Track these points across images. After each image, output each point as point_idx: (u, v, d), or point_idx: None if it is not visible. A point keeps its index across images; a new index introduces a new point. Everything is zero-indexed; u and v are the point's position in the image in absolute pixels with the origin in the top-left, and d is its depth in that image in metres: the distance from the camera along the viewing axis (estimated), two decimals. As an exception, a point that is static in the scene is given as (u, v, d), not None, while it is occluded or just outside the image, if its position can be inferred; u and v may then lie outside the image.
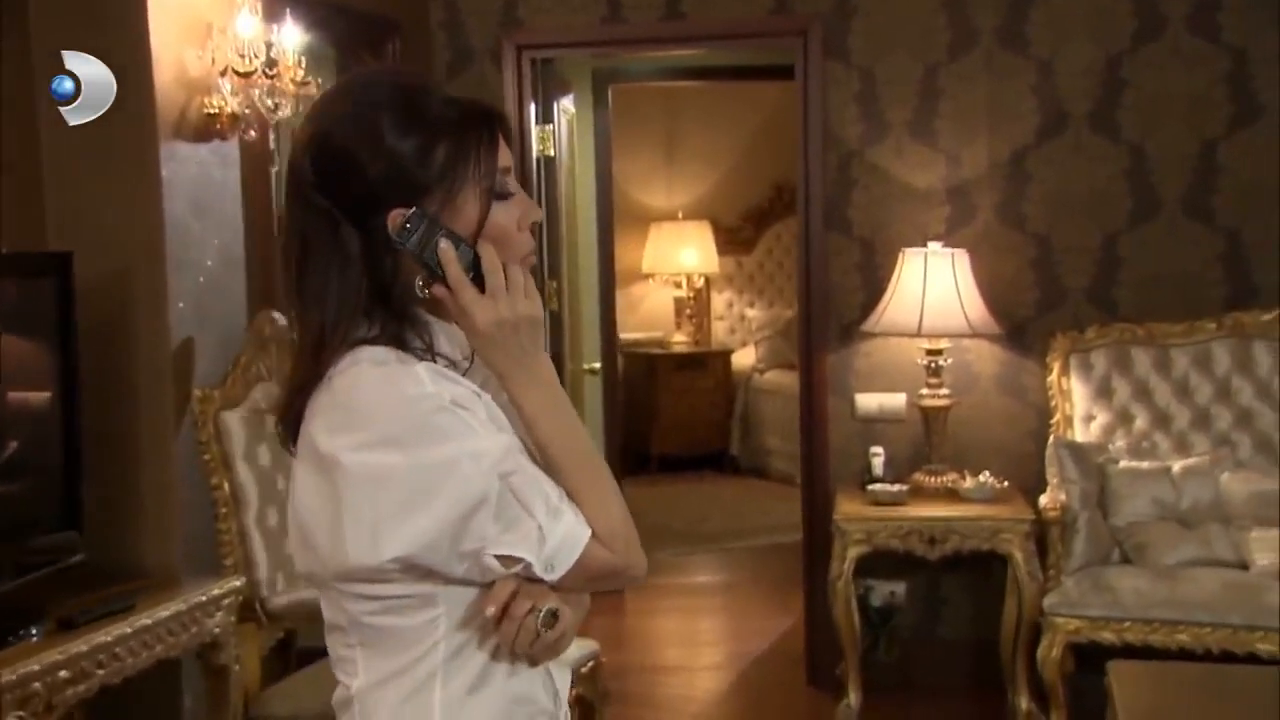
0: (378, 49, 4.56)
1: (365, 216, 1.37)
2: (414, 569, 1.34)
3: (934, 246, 4.50)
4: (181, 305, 3.23)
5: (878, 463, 4.62)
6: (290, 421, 1.42)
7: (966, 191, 4.73)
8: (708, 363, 9.11)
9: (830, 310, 4.82)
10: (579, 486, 1.39)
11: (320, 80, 3.50)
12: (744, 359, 9.17)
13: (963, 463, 4.63)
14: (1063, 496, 4.21)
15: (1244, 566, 4.08)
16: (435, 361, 1.39)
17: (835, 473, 4.83)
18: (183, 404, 3.23)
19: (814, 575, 4.79)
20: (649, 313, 9.42)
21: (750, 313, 9.47)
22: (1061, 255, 4.69)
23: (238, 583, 3.12)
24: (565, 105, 5.61)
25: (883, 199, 4.77)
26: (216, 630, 3.04)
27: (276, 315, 3.53)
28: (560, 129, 5.40)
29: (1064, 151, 4.65)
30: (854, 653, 4.42)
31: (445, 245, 1.36)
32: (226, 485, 3.27)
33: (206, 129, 3.32)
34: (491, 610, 1.36)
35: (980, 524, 4.25)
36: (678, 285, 9.28)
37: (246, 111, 3.33)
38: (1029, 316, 4.71)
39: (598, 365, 6.02)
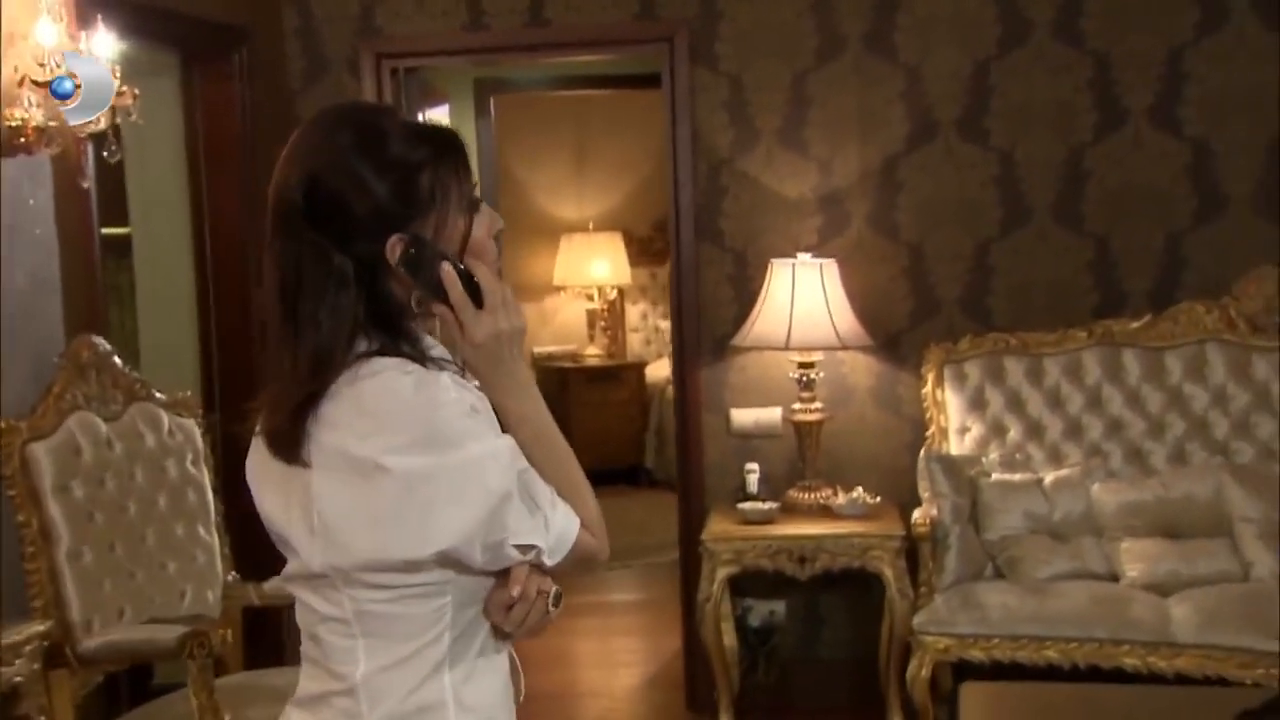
0: (224, 57, 4.38)
1: (358, 245, 1.48)
2: (450, 560, 1.47)
3: (803, 257, 4.40)
4: (-17, 331, 3.03)
5: (753, 479, 4.50)
6: (293, 438, 1.49)
7: (839, 200, 4.64)
8: (622, 375, 8.99)
9: (703, 323, 4.70)
10: (562, 481, 1.53)
11: (136, 90, 3.31)
12: (659, 371, 9.04)
13: (838, 478, 4.53)
14: (934, 511, 4.12)
15: (1115, 578, 4.02)
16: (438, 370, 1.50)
17: (711, 490, 4.72)
18: (-15, 435, 3.03)
19: (691, 596, 4.66)
20: (562, 325, 9.30)
21: (664, 324, 9.34)
22: (934, 264, 4.61)
23: (40, 627, 2.92)
24: (435, 116, 5.45)
25: (754, 208, 4.67)
26: (18, 679, 2.83)
27: (97, 340, 3.34)
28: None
29: (935, 159, 4.58)
30: (725, 676, 4.30)
31: (448, 268, 1.48)
32: (35, 522, 3.07)
33: (11, 142, 3.12)
34: (517, 591, 1.50)
35: (850, 541, 4.15)
36: (590, 297, 9.13)
37: (52, 124, 3.13)
38: (903, 327, 4.63)
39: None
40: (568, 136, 9.12)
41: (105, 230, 4.73)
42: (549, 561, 1.51)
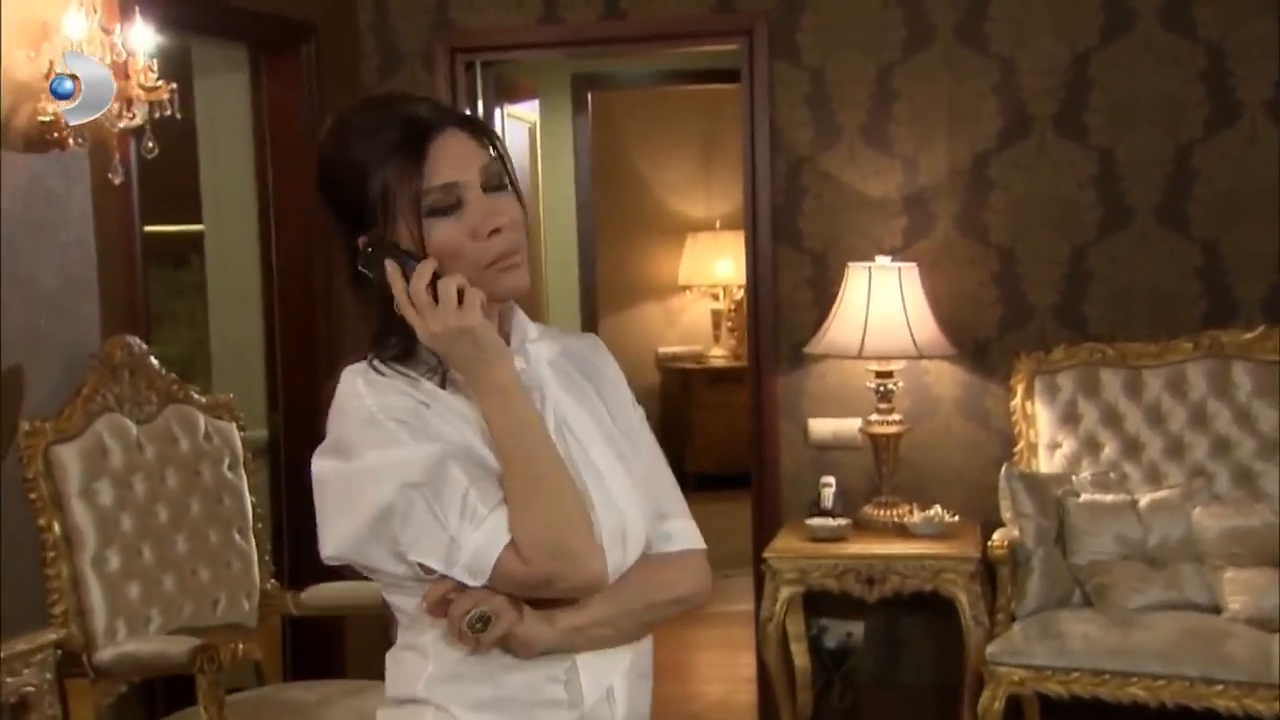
0: (291, 52, 4.32)
1: (349, 241, 1.53)
2: (356, 564, 1.48)
3: (881, 261, 4.16)
4: (8, 329, 2.98)
5: (828, 493, 4.28)
6: None
7: (924, 200, 4.38)
8: (746, 378, 8.74)
9: (781, 329, 4.49)
10: (512, 493, 1.45)
11: (173, 85, 3.24)
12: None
13: (920, 494, 4.28)
14: (1015, 533, 3.85)
15: (1218, 610, 3.70)
16: (410, 369, 1.50)
17: (787, 502, 4.50)
18: (9, 436, 2.98)
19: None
20: (687, 326, 9.14)
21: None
22: (1026, 269, 4.33)
23: (52, 635, 2.86)
24: (519, 111, 5.33)
25: (835, 209, 4.44)
26: (27, 689, 2.78)
27: (132, 340, 3.29)
28: (511, 138, 5.12)
29: (1028, 156, 4.29)
30: (789, 699, 4.09)
31: (390, 267, 1.47)
32: (57, 526, 3.02)
33: (41, 138, 3.08)
34: (423, 607, 1.47)
35: (922, 563, 3.90)
36: (715, 297, 8.96)
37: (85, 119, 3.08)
38: (991, 335, 4.35)
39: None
40: (695, 133, 8.95)
41: (178, 228, 4.75)
42: (474, 583, 1.45)
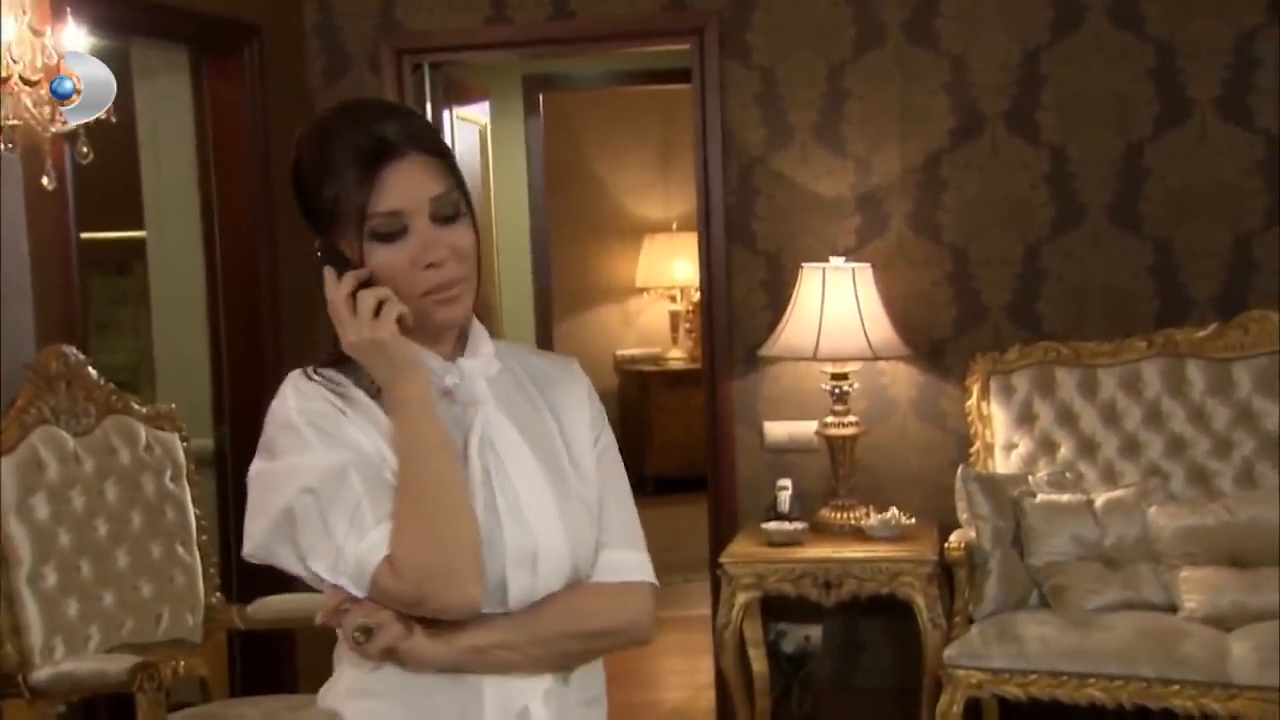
0: (234, 55, 4.23)
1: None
2: (274, 564, 1.48)
3: (834, 262, 4.13)
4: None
5: (784, 496, 4.24)
6: None
7: (877, 200, 4.35)
8: (704, 379, 8.72)
9: (735, 331, 4.45)
10: (398, 509, 1.44)
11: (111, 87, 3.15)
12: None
13: (877, 497, 4.25)
14: (972, 534, 3.83)
15: (1174, 610, 3.69)
16: (348, 375, 1.52)
17: (743, 507, 4.46)
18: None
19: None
20: (645, 328, 9.10)
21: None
22: (980, 268, 4.31)
23: (-14, 656, 2.78)
24: (469, 114, 5.27)
25: (788, 209, 4.40)
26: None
27: (69, 350, 3.20)
28: (460, 140, 5.05)
29: (980, 155, 4.27)
30: (747, 707, 4.06)
31: (328, 274, 1.50)
32: (-9, 542, 2.93)
33: (-30, 143, 2.99)
34: (319, 618, 1.47)
35: (879, 566, 3.87)
36: (673, 299, 8.92)
37: (14, 123, 2.99)
38: (947, 336, 4.33)
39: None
40: (652, 133, 8.90)
41: (120, 234, 4.66)
42: (355, 592, 1.45)
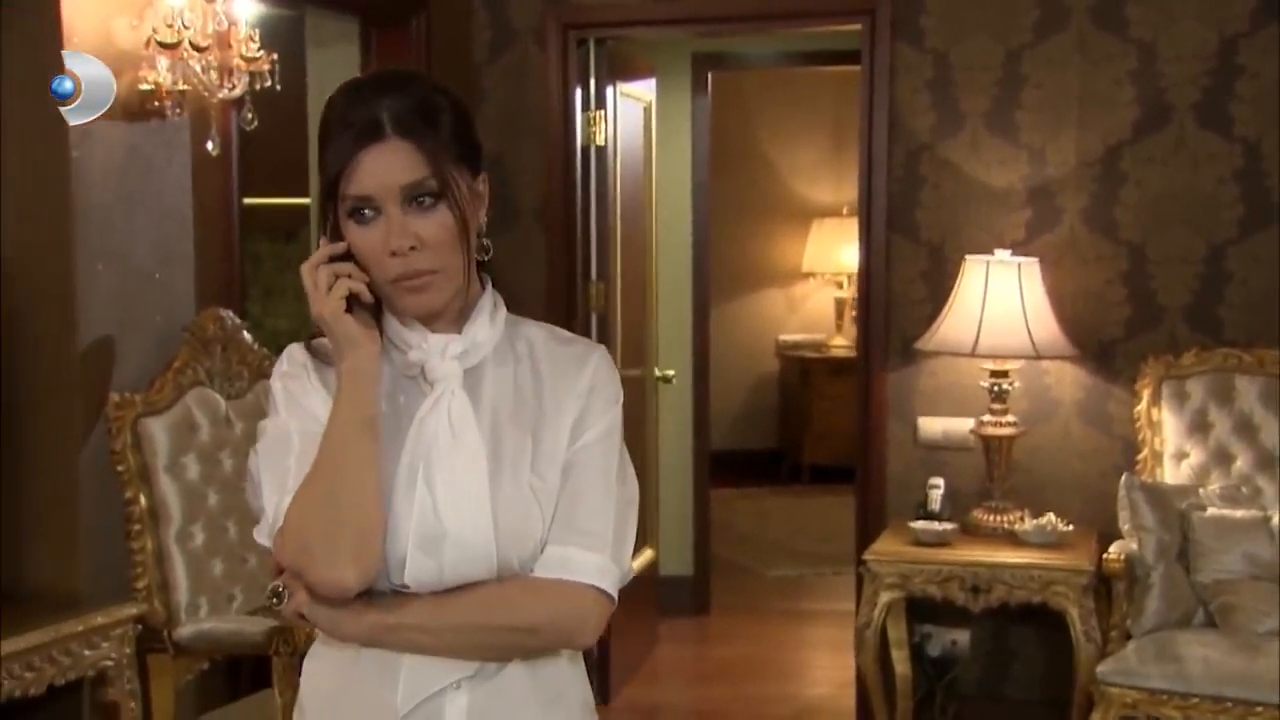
0: (403, 26, 4.27)
1: None
2: None
3: (1000, 255, 3.97)
4: (97, 301, 2.96)
5: (935, 495, 4.10)
6: None
7: (1050, 193, 4.17)
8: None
9: (892, 323, 4.32)
10: (310, 483, 1.47)
11: (274, 56, 3.20)
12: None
13: (1033, 500, 4.08)
14: (1134, 546, 3.64)
15: (1355, 642, 3.45)
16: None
17: (892, 503, 4.33)
18: (96, 409, 2.97)
19: (863, 616, 4.30)
20: (810, 314, 8.98)
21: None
22: (1158, 268, 4.09)
23: (132, 610, 2.84)
24: (634, 90, 5.21)
25: (954, 199, 4.25)
26: (106, 663, 2.76)
27: (225, 314, 3.25)
28: (624, 117, 5.01)
29: (1165, 149, 4.05)
30: (885, 709, 3.94)
31: (322, 240, 1.53)
32: (143, 499, 3.00)
33: (141, 107, 3.06)
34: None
35: (1030, 573, 3.71)
36: (840, 285, 8.77)
37: (184, 88, 3.05)
38: (1118, 337, 4.12)
39: (671, 373, 5.60)
40: (825, 115, 8.75)
41: (289, 201, 4.74)
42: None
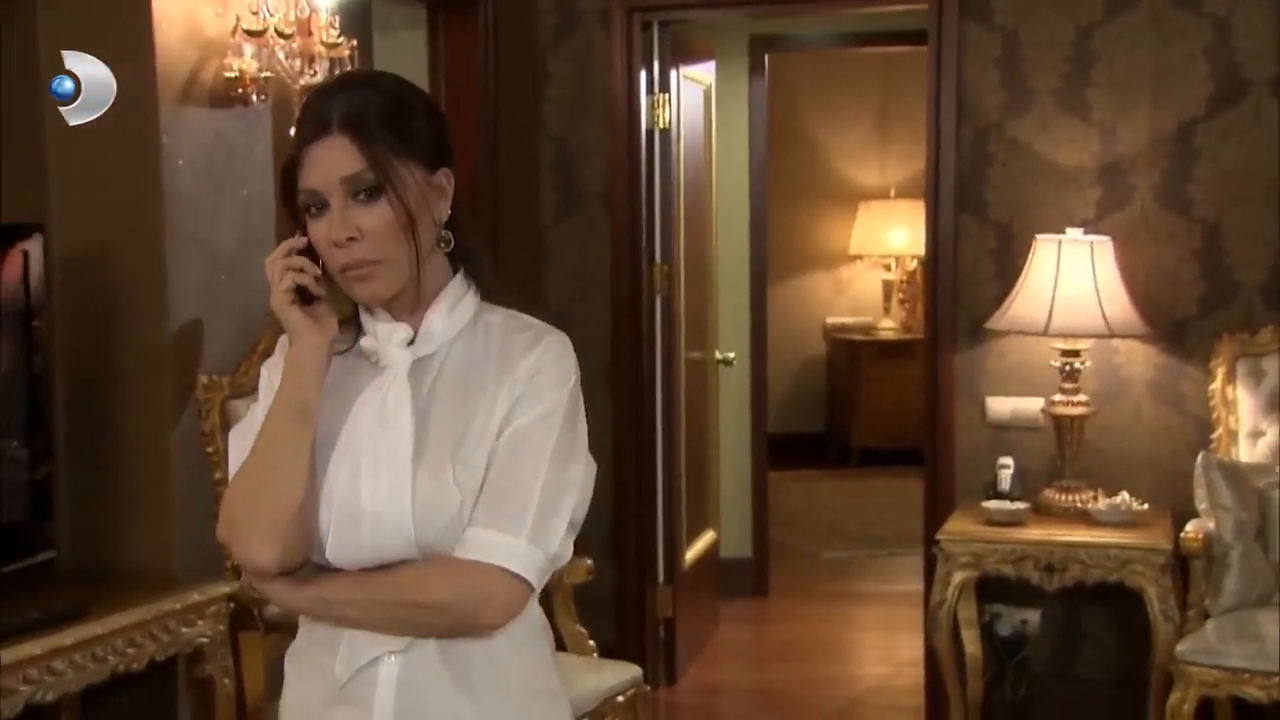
0: (469, 12, 4.28)
1: None
2: None
3: (1072, 233, 3.95)
4: (186, 286, 3.00)
5: (1005, 475, 4.10)
6: None
7: (1122, 170, 4.14)
8: (917, 351, 8.48)
9: (960, 303, 4.31)
10: (248, 463, 1.57)
11: (353, 42, 3.23)
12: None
13: (1105, 480, 4.06)
14: (1211, 525, 3.63)
15: None
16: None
17: (961, 483, 4.33)
18: (186, 391, 3.02)
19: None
20: (857, 296, 8.97)
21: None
22: (1233, 245, 4.05)
23: (226, 588, 2.88)
24: (696, 73, 5.22)
25: (1024, 178, 4.23)
26: (202, 640, 2.81)
27: (307, 296, 3.28)
28: (685, 99, 5.01)
29: (1242, 124, 4.01)
30: (958, 688, 3.94)
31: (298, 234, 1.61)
32: (232, 479, 3.03)
33: (226, 94, 3.09)
34: None
35: (1106, 552, 3.70)
36: (887, 268, 8.76)
37: (267, 76, 3.08)
38: (1191, 315, 4.10)
39: (731, 355, 5.61)
40: (871, 96, 8.72)
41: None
42: None
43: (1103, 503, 3.87)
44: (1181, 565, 3.71)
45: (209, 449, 3.04)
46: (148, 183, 2.92)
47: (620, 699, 3.26)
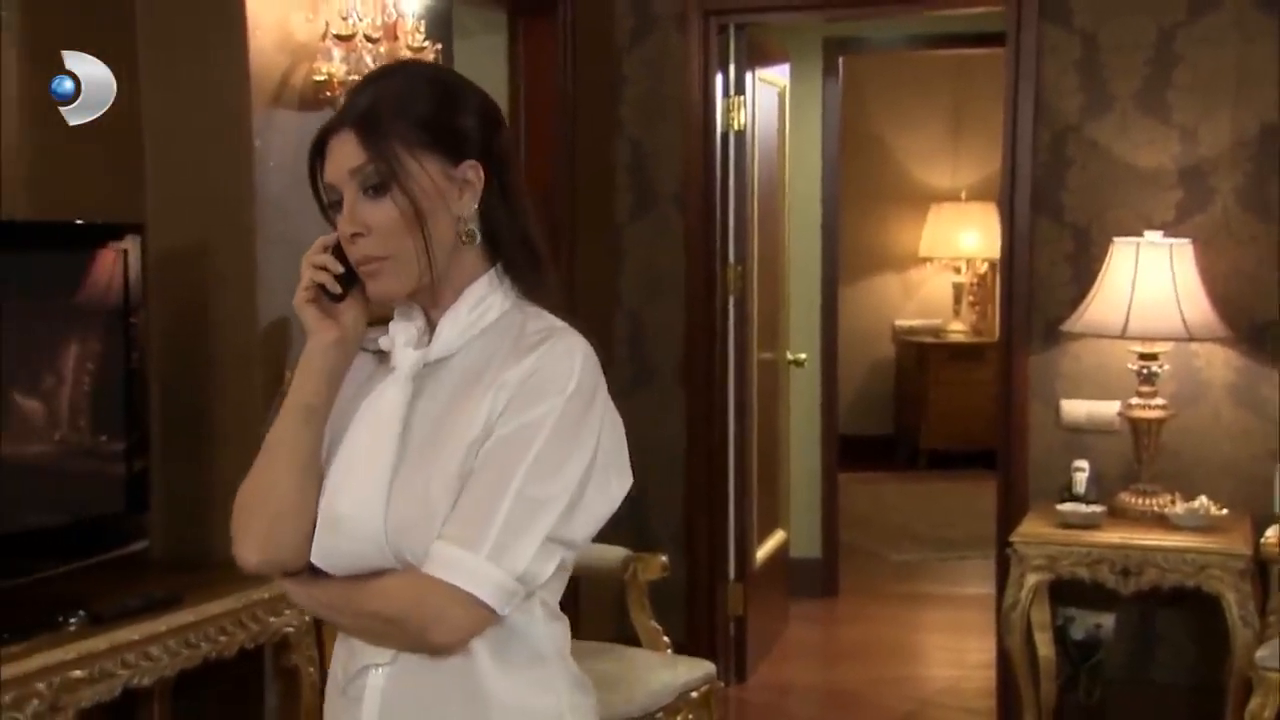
0: (548, 16, 4.34)
1: None
2: None
3: (1150, 236, 3.93)
4: (276, 283, 3.08)
5: (1080, 478, 4.08)
6: None
7: (1203, 173, 4.11)
8: (987, 354, 8.48)
9: (1035, 305, 4.30)
10: (258, 464, 1.57)
11: (438, 46, 3.29)
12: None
13: (1182, 484, 4.03)
14: (1290, 531, 3.60)
15: None
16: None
17: (1035, 486, 4.32)
18: (274, 386, 3.09)
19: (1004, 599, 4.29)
20: (926, 299, 8.97)
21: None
22: (1316, 248, 4.01)
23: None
24: (770, 75, 5.24)
25: (1102, 180, 4.21)
26: (288, 630, 2.88)
27: (389, 295, 3.35)
28: (760, 102, 5.04)
29: (1324, 128, 3.98)
30: (1031, 691, 3.94)
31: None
32: (319, 471, 3.10)
33: (315, 97, 3.17)
34: None
35: (1184, 557, 3.68)
36: (958, 270, 8.74)
37: (354, 79, 3.15)
38: (1272, 318, 4.06)
39: (803, 356, 5.63)
40: (943, 99, 8.70)
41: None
42: None
43: (1180, 507, 3.85)
44: (1260, 570, 3.68)
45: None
46: (241, 183, 3.00)
47: (694, 695, 3.29)
